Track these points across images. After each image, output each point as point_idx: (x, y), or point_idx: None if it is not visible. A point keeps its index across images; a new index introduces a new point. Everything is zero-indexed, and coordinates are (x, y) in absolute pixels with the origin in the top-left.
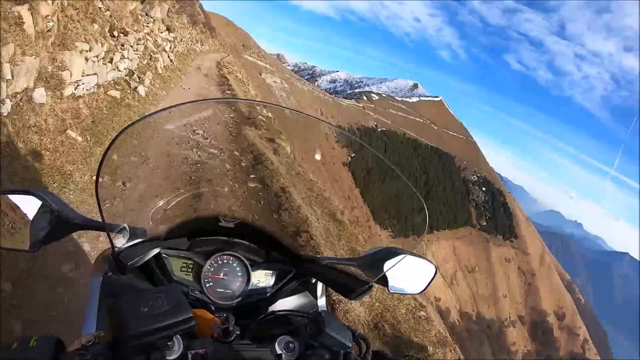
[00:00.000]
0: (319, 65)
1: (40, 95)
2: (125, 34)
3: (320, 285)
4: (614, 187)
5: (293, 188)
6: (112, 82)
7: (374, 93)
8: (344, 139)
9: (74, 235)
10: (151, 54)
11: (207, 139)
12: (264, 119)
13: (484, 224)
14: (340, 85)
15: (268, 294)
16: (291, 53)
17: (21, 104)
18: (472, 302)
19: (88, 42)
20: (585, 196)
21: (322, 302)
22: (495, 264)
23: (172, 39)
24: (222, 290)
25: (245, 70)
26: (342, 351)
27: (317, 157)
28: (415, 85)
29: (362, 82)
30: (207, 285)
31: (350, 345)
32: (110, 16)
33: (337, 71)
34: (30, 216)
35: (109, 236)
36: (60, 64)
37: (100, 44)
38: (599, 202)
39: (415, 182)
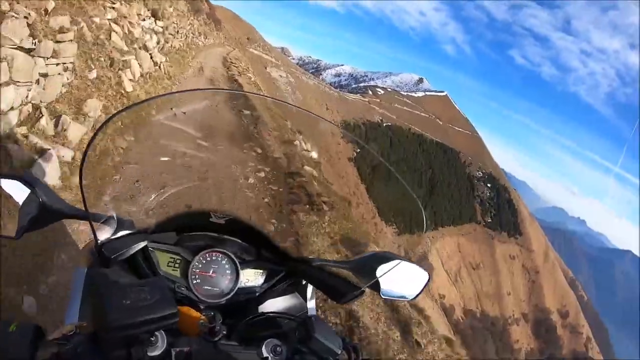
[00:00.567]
0: (324, 59)
1: None
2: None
3: (310, 288)
4: (617, 185)
5: None
6: None
7: (379, 87)
8: (347, 136)
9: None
10: (116, 56)
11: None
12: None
13: (489, 220)
14: (345, 79)
15: (257, 294)
16: (295, 47)
17: None
18: (476, 299)
19: None
20: (589, 193)
21: (311, 304)
22: (499, 261)
23: (162, 29)
24: (209, 287)
25: (252, 65)
26: (330, 358)
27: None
28: (421, 80)
29: (367, 76)
30: (194, 282)
31: (340, 352)
32: None
33: (342, 65)
34: (19, 202)
35: (91, 227)
36: None
37: None
38: (602, 199)
39: (420, 177)
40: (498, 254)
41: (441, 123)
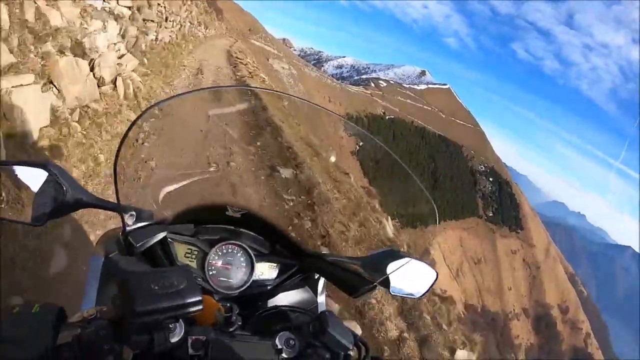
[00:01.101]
0: (325, 51)
1: None
2: None
3: (321, 282)
4: (618, 180)
5: None
6: None
7: (381, 80)
8: (351, 128)
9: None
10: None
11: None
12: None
13: (491, 215)
14: (347, 71)
15: (270, 287)
16: (297, 38)
17: None
18: (478, 294)
19: None
20: (590, 188)
21: (321, 299)
22: (501, 255)
23: (131, 13)
24: (224, 279)
25: (255, 57)
26: (342, 353)
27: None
28: (423, 73)
29: (369, 68)
30: (211, 273)
31: (351, 347)
32: None
33: (344, 57)
34: (38, 189)
35: (122, 217)
36: None
37: None
38: (603, 194)
39: (423, 170)
40: (499, 249)
41: (444, 116)
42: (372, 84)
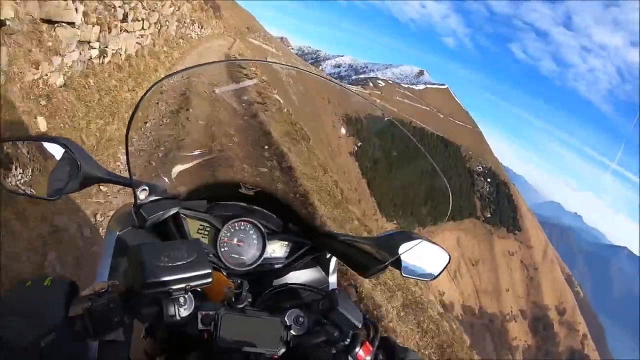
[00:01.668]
0: (323, 50)
1: None
2: None
3: (333, 262)
4: (614, 181)
5: None
6: None
7: (380, 79)
8: (350, 128)
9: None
10: None
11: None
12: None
13: (489, 215)
14: (345, 70)
15: (281, 265)
16: (294, 36)
17: None
18: (475, 296)
19: None
20: (586, 188)
21: (332, 279)
22: (498, 256)
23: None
24: (236, 256)
25: (252, 54)
26: (350, 331)
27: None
28: (421, 72)
29: (366, 67)
30: (223, 249)
31: (360, 326)
32: None
33: (342, 56)
34: (53, 164)
35: (134, 191)
36: None
37: None
38: (599, 194)
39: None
40: (497, 250)
41: (442, 116)
42: (371, 84)
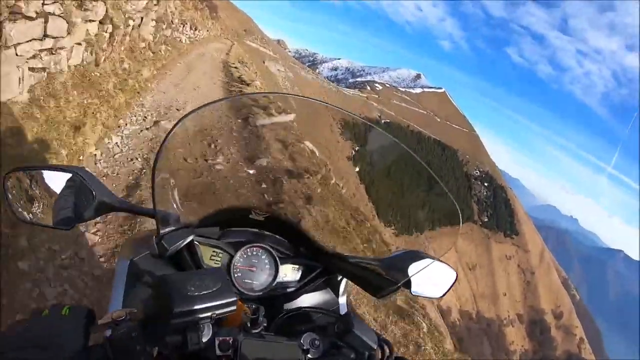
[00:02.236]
0: (320, 52)
1: None
2: None
3: (343, 283)
4: (610, 184)
5: None
6: None
7: (377, 83)
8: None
9: None
10: None
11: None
12: None
13: (486, 220)
14: (342, 74)
15: (293, 289)
16: (291, 39)
17: None
18: (473, 300)
19: None
20: (582, 192)
21: (342, 300)
22: (495, 261)
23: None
24: (249, 281)
25: (253, 61)
26: (366, 352)
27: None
28: (418, 76)
29: (363, 70)
30: (236, 275)
31: (376, 347)
32: None
33: (339, 59)
34: (66, 194)
35: (157, 222)
36: None
37: None
38: (595, 198)
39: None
40: (494, 254)
41: (439, 120)
42: (368, 87)
